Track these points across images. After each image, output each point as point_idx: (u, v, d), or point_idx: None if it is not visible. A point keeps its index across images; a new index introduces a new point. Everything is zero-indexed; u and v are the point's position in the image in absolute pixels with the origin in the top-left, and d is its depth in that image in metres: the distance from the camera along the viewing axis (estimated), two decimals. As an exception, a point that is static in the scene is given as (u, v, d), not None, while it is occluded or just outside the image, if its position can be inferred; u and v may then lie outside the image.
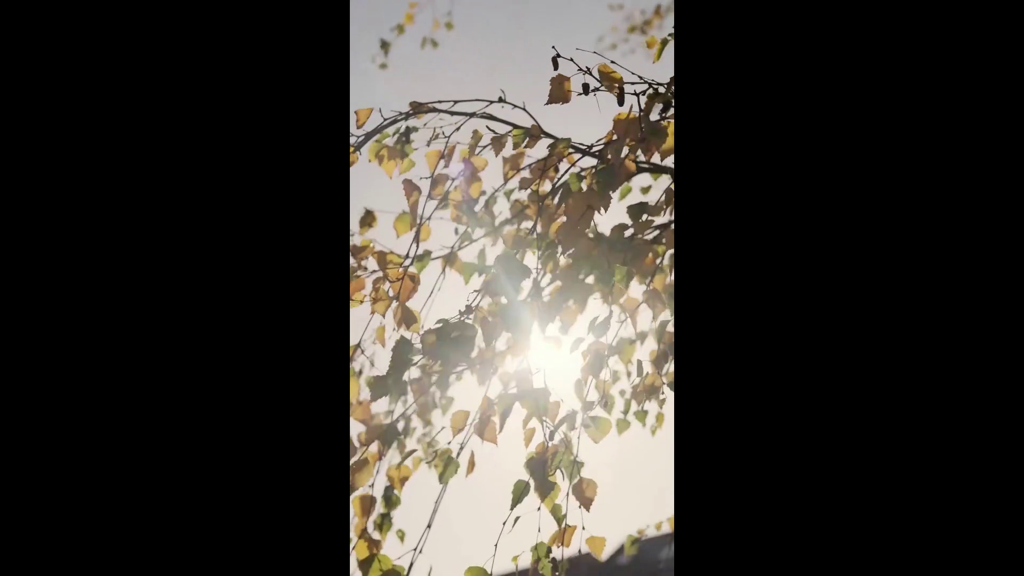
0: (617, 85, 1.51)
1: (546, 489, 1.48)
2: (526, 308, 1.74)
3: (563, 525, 1.50)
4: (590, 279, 1.81)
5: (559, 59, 1.51)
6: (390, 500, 1.80)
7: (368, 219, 1.79)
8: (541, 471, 1.48)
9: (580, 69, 1.54)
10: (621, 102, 1.52)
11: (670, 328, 2.21)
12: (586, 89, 1.53)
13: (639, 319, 1.95)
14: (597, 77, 1.54)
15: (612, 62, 1.54)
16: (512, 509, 1.49)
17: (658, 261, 2.20)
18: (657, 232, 2.11)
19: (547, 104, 1.59)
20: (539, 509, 1.50)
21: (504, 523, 1.51)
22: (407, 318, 1.63)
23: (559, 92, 1.55)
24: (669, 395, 2.20)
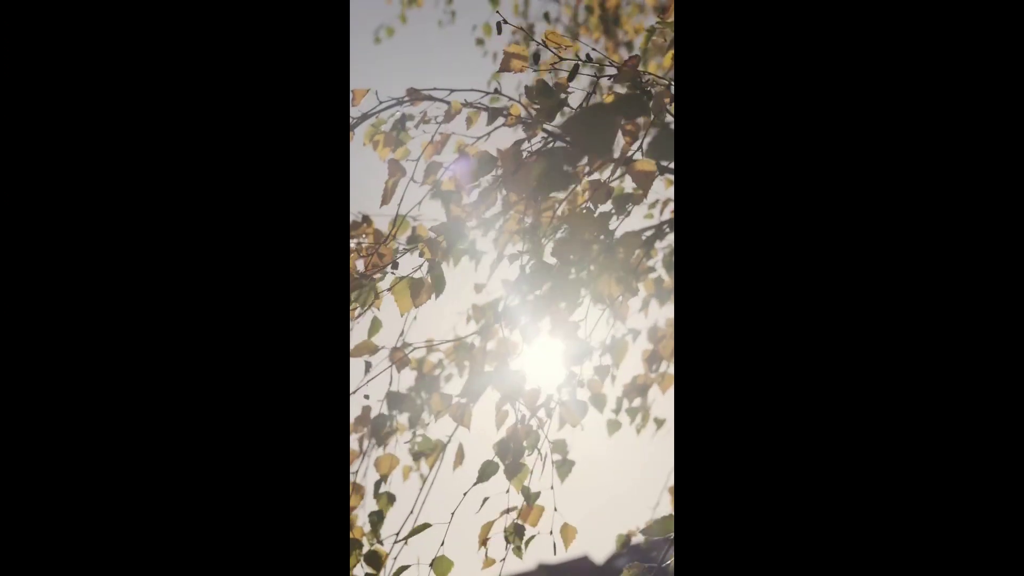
0: (571, 58, 1.51)
1: (514, 470, 1.47)
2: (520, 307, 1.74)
3: (531, 503, 1.50)
4: (581, 274, 1.82)
5: (504, 25, 1.52)
6: (380, 495, 1.81)
7: (366, 221, 1.80)
8: (510, 453, 1.48)
9: (535, 40, 1.54)
10: (571, 77, 1.52)
11: (663, 327, 2.20)
12: (536, 59, 1.53)
13: (634, 319, 1.96)
14: (552, 49, 1.54)
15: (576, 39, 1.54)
16: (475, 485, 1.49)
17: (650, 262, 2.20)
18: (651, 232, 2.11)
19: (499, 72, 1.59)
20: (508, 491, 1.50)
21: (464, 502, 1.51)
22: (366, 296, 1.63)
23: (508, 62, 1.55)
24: (658, 394, 2.20)
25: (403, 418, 2.09)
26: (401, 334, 1.77)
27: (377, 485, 1.81)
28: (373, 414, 1.88)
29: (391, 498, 1.77)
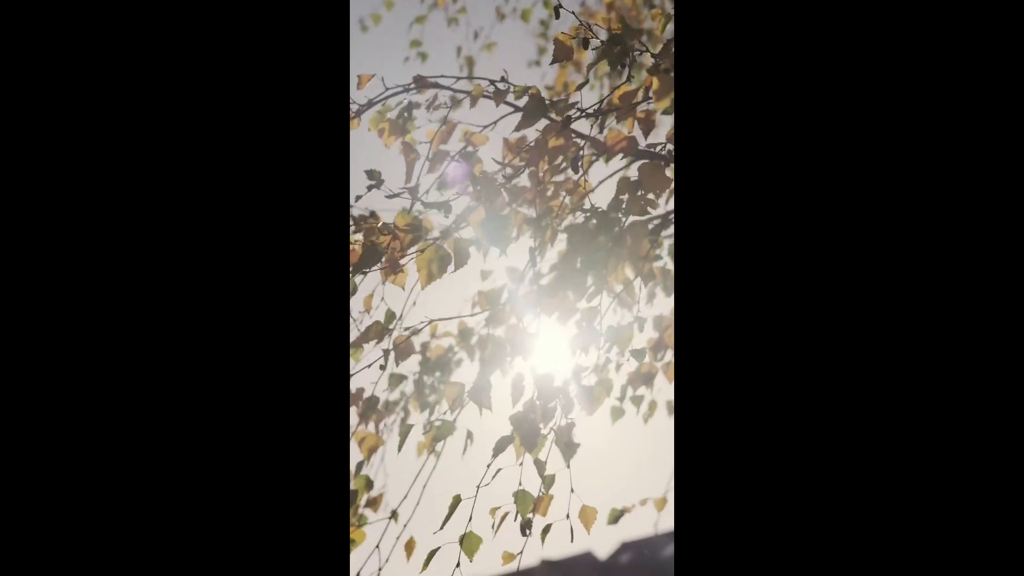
0: (618, 46, 1.48)
1: (531, 442, 1.45)
2: (526, 296, 1.74)
3: (547, 488, 1.48)
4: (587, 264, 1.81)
5: (560, 9, 1.50)
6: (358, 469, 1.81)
7: (373, 216, 1.79)
8: (526, 426, 1.45)
9: (581, 24, 1.51)
10: (623, 65, 1.50)
11: (668, 316, 2.20)
12: (585, 44, 1.51)
13: (640, 307, 1.96)
14: (598, 36, 1.52)
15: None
16: (493, 459, 1.47)
17: (657, 251, 2.20)
18: (658, 222, 2.10)
19: (552, 64, 1.57)
20: (521, 464, 1.48)
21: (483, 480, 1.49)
22: (393, 268, 1.61)
23: (562, 50, 1.52)
24: (663, 383, 2.20)
25: (409, 401, 2.09)
26: (399, 317, 1.75)
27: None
28: (380, 403, 1.88)
29: (369, 482, 1.77)
